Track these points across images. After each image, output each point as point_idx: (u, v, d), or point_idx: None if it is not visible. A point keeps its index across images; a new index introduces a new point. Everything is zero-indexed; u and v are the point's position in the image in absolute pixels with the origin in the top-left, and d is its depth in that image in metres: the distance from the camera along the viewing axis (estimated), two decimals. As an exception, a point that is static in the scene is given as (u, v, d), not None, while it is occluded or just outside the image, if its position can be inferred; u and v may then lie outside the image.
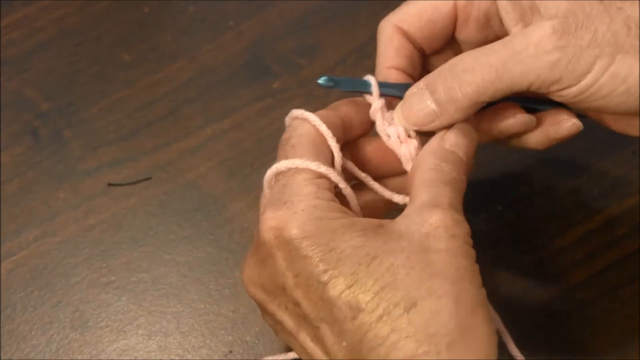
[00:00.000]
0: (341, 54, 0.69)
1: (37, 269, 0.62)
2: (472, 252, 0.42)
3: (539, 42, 0.43)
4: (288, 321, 0.44)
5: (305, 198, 0.43)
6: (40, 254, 0.62)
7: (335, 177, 0.45)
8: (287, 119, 0.49)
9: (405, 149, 0.48)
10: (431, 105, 0.46)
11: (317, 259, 0.41)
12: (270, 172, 0.46)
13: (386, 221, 0.43)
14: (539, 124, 0.50)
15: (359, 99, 0.50)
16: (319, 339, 0.43)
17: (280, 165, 0.45)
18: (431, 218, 0.42)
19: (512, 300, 0.59)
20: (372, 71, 0.67)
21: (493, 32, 0.49)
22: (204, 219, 0.63)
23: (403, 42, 0.49)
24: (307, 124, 0.46)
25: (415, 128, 0.47)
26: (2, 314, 0.60)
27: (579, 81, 0.44)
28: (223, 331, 0.58)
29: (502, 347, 0.55)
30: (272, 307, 0.45)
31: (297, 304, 0.43)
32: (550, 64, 0.43)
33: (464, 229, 0.43)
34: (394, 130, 0.48)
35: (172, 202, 0.64)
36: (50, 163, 0.66)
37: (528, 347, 0.57)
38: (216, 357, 0.58)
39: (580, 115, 0.51)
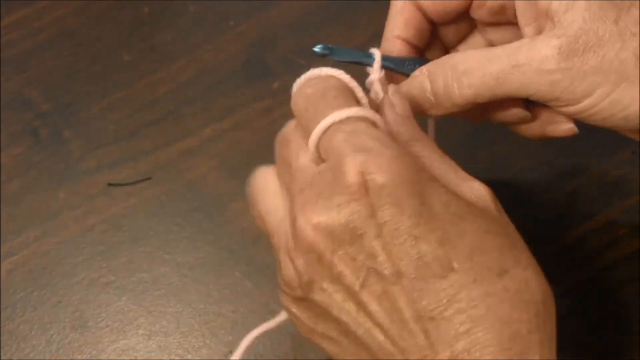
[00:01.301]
0: (341, 54, 0.69)
1: (37, 269, 0.62)
2: None
3: (543, 59, 0.43)
4: (349, 275, 0.39)
5: (387, 145, 0.39)
6: (40, 254, 0.62)
7: (378, 119, 0.42)
8: (304, 79, 0.45)
9: None
10: (428, 93, 0.46)
11: (411, 210, 0.38)
12: (325, 123, 0.40)
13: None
14: (536, 117, 0.49)
15: None
16: (387, 297, 0.39)
17: (337, 115, 0.40)
18: (481, 193, 0.42)
19: (512, 300, 0.59)
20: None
21: (507, 18, 0.49)
22: (204, 219, 0.63)
23: (413, 13, 0.49)
24: (330, 78, 0.43)
25: (409, 109, 0.45)
26: (2, 314, 0.60)
27: (578, 103, 0.44)
28: (223, 331, 0.58)
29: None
30: (335, 257, 0.39)
31: (371, 256, 0.38)
32: (551, 83, 0.43)
33: (499, 204, 0.44)
34: None
35: (172, 202, 0.64)
36: (50, 163, 0.66)
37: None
38: (216, 357, 0.58)
39: None
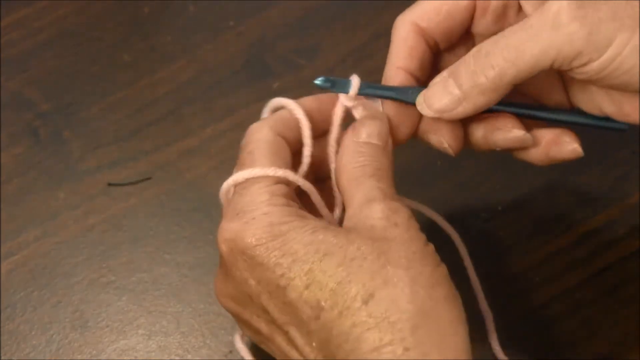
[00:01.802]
0: (341, 54, 0.69)
1: (37, 269, 0.62)
2: (420, 235, 0.43)
3: (556, 15, 0.42)
4: (262, 327, 0.45)
5: (257, 207, 0.43)
6: (40, 254, 0.62)
7: (293, 177, 0.46)
8: (265, 110, 0.50)
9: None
10: (454, 91, 0.46)
11: (273, 264, 0.41)
12: (226, 184, 0.47)
13: (338, 227, 0.44)
14: (539, 141, 0.49)
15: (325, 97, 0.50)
16: (291, 342, 0.43)
17: (237, 176, 0.46)
18: (371, 213, 0.42)
19: (512, 300, 0.59)
20: (372, 71, 0.67)
21: (509, 23, 0.49)
22: (204, 219, 0.63)
23: (417, 42, 0.49)
24: (266, 127, 0.47)
25: (438, 115, 0.47)
26: (2, 314, 0.60)
27: (601, 55, 0.43)
28: (223, 331, 0.58)
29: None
30: (245, 316, 0.46)
31: (265, 311, 0.43)
32: (570, 36, 0.42)
33: (404, 214, 0.43)
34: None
35: (172, 202, 0.64)
36: (50, 163, 0.66)
37: (528, 347, 0.57)
38: (216, 357, 0.58)
39: (617, 127, 0.50)
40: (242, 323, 0.47)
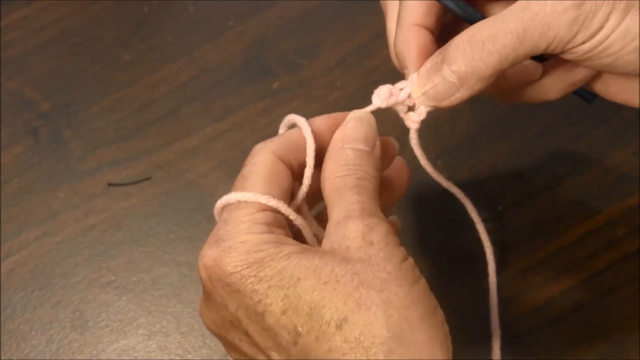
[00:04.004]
0: (341, 54, 0.69)
1: (37, 269, 0.62)
2: (397, 252, 0.42)
3: (556, 1, 0.42)
4: (247, 351, 0.44)
5: (235, 235, 0.43)
6: (40, 254, 0.62)
7: (285, 210, 0.44)
8: (281, 126, 0.48)
9: None
10: (450, 77, 0.45)
11: (249, 291, 0.41)
12: (219, 203, 0.46)
13: (316, 247, 0.43)
14: (549, 70, 0.48)
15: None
16: None
17: (229, 197, 0.45)
18: (347, 231, 0.42)
19: (512, 300, 0.59)
20: (372, 71, 0.67)
21: None
22: (204, 219, 0.63)
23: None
24: (266, 150, 0.46)
25: (435, 103, 0.46)
26: (2, 314, 0.60)
27: (592, 37, 0.43)
28: (223, 331, 0.58)
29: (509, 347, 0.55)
30: (229, 338, 0.45)
31: (247, 335, 0.43)
32: (568, 21, 0.42)
33: (381, 231, 0.42)
34: None
35: (172, 202, 0.64)
36: (50, 163, 0.66)
37: (528, 347, 0.57)
38: (216, 357, 0.58)
39: (586, 96, 0.50)
40: (228, 346, 0.47)
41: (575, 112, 0.65)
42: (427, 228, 0.61)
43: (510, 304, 0.58)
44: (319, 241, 0.47)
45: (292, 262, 0.41)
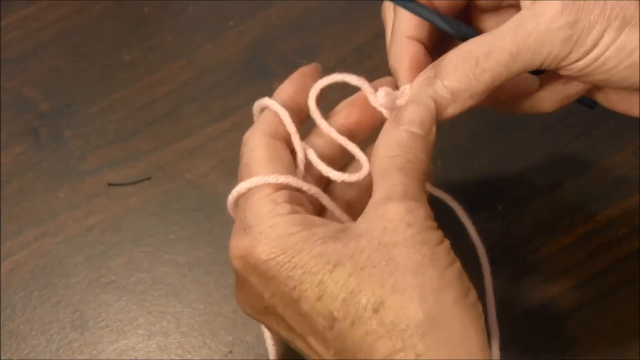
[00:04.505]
0: (341, 54, 0.69)
1: (37, 269, 0.62)
2: (434, 235, 0.42)
3: (550, 20, 0.42)
4: (284, 334, 0.45)
5: (262, 220, 0.43)
6: (40, 254, 0.62)
7: (296, 182, 0.45)
8: (254, 113, 0.49)
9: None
10: (443, 92, 0.45)
11: (284, 278, 0.41)
12: (231, 197, 0.46)
13: (349, 224, 0.43)
14: (546, 83, 0.48)
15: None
16: (311, 348, 0.43)
17: (239, 188, 0.45)
18: (386, 212, 0.41)
19: (512, 300, 0.59)
20: (372, 71, 0.67)
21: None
22: (204, 219, 0.63)
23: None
24: (257, 134, 0.46)
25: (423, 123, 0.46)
26: (2, 314, 0.60)
27: (586, 55, 0.43)
28: (223, 331, 0.58)
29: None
30: (267, 322, 0.46)
31: (283, 320, 0.43)
32: (562, 40, 0.43)
33: (420, 214, 0.42)
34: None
35: (172, 202, 0.64)
36: (50, 163, 0.66)
37: (528, 347, 0.57)
38: (216, 357, 0.58)
39: (587, 102, 0.50)
40: (269, 328, 0.48)
41: (575, 112, 0.65)
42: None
43: (510, 304, 0.58)
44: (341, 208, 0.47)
45: (327, 248, 0.41)
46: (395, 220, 0.41)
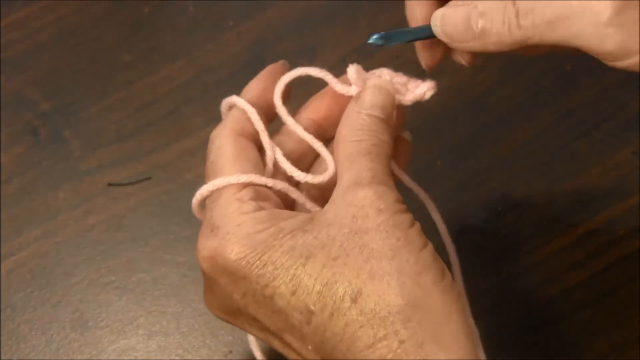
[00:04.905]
0: (341, 54, 0.69)
1: (37, 269, 0.62)
2: (405, 218, 0.41)
3: (596, 12, 0.41)
4: (257, 334, 0.45)
5: (230, 219, 0.42)
6: (40, 254, 0.62)
7: (260, 179, 0.44)
8: (223, 112, 0.49)
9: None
10: (475, 26, 0.44)
11: (255, 276, 0.41)
12: (195, 200, 0.46)
13: (316, 212, 0.43)
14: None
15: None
16: (288, 346, 0.43)
17: (202, 191, 0.45)
18: (355, 199, 0.41)
19: (512, 300, 0.59)
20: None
21: None
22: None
23: None
24: (225, 131, 0.46)
25: (448, 40, 0.45)
26: (2, 314, 0.60)
27: (628, 58, 0.42)
28: (223, 331, 0.58)
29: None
30: (238, 324, 0.45)
31: (256, 320, 0.43)
32: (603, 37, 0.41)
33: (390, 198, 0.41)
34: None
35: (172, 202, 0.64)
36: (50, 163, 0.66)
37: (528, 347, 0.57)
38: (216, 357, 0.58)
39: None
40: (240, 328, 0.47)
41: (575, 112, 0.65)
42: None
43: (510, 303, 0.58)
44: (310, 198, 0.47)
45: (297, 241, 0.41)
46: (366, 206, 0.41)
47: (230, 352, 0.58)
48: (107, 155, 0.66)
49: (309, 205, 0.47)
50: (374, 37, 0.47)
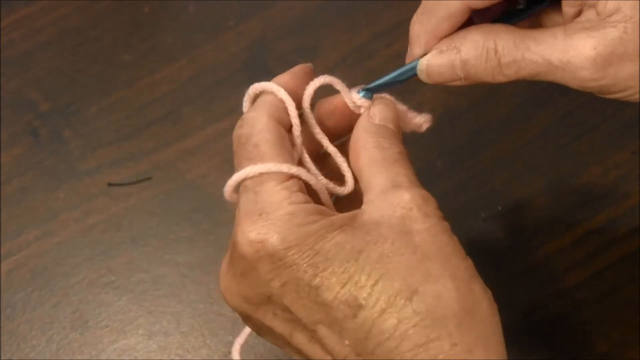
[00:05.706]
0: (341, 54, 0.69)
1: (37, 269, 0.62)
2: (447, 224, 0.42)
3: (577, 68, 0.42)
4: (278, 326, 0.44)
5: (280, 206, 0.42)
6: (40, 254, 0.62)
7: (307, 175, 0.44)
8: (248, 95, 0.48)
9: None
10: (458, 71, 0.45)
11: (305, 265, 0.40)
12: (237, 177, 0.44)
13: (356, 212, 0.42)
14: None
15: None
16: (317, 340, 0.42)
17: (249, 170, 0.43)
18: (401, 200, 0.41)
19: (512, 300, 0.59)
20: (372, 71, 0.67)
21: None
22: (204, 219, 0.63)
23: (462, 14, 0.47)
24: (264, 117, 0.45)
25: (434, 83, 0.46)
26: (2, 314, 0.60)
27: (611, 95, 0.43)
28: (223, 331, 0.58)
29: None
30: (258, 315, 0.44)
31: (286, 310, 0.42)
32: (584, 87, 0.43)
33: (433, 203, 0.42)
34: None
35: (172, 202, 0.64)
36: (50, 163, 0.66)
37: (528, 347, 0.57)
38: (216, 357, 0.58)
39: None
40: (252, 322, 0.46)
41: (575, 112, 0.65)
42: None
43: (511, 303, 0.58)
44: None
45: (348, 234, 0.40)
46: (413, 209, 0.41)
47: (230, 352, 0.58)
48: (107, 156, 0.66)
49: (331, 207, 0.47)
50: (362, 93, 0.47)
